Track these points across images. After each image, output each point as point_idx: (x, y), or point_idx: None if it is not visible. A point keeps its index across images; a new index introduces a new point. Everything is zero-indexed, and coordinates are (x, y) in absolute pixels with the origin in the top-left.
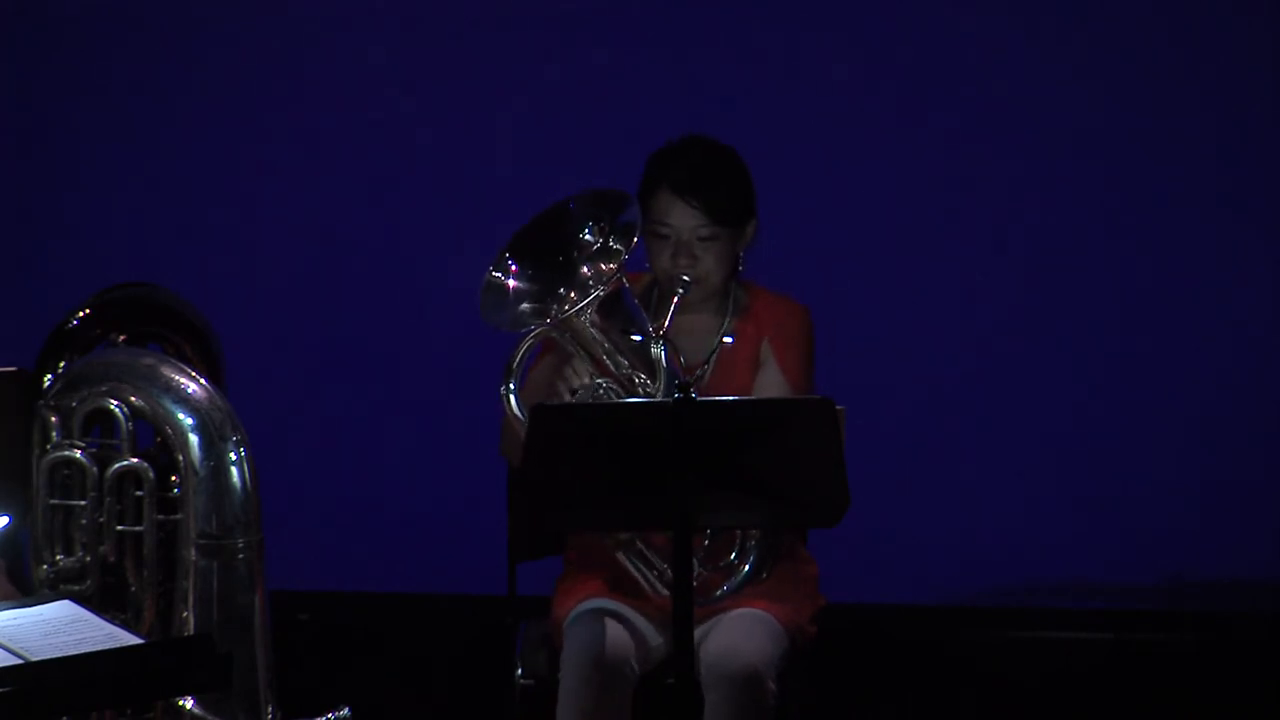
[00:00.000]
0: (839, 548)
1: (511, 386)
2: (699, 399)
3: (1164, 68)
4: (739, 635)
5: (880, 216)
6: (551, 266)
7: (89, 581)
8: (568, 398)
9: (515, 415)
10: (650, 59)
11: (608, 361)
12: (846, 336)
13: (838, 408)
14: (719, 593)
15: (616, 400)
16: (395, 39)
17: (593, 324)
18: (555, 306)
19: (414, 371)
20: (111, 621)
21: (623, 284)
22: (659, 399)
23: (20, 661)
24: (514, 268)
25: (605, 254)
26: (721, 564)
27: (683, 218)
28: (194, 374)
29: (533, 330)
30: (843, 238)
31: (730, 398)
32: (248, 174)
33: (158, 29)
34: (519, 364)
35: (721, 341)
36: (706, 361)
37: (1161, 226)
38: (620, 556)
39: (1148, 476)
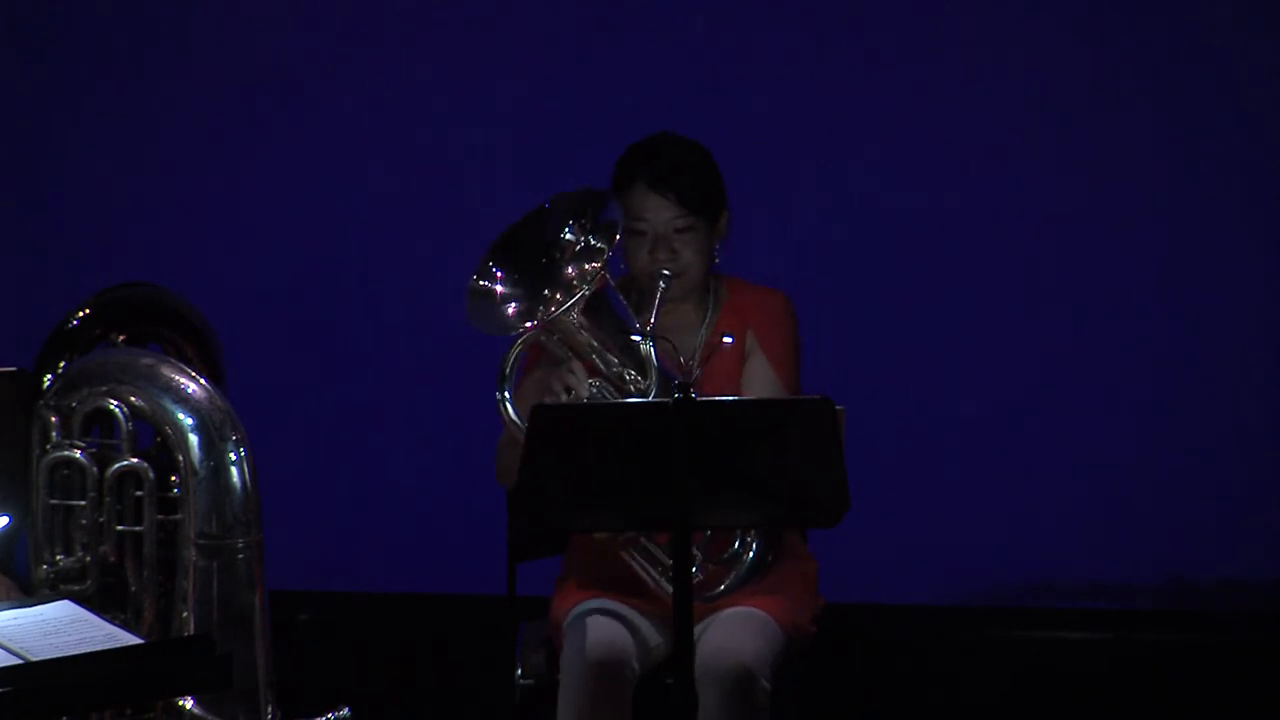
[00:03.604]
0: (839, 548)
1: (506, 394)
2: (699, 399)
3: (1166, 68)
4: (733, 634)
5: (881, 216)
6: (535, 269)
7: (89, 581)
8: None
9: (513, 420)
10: (648, 61)
11: (597, 361)
12: (846, 336)
13: (838, 408)
14: (722, 587)
15: (616, 400)
16: (394, 40)
17: (580, 325)
18: (542, 308)
19: (414, 372)
20: (111, 621)
21: (608, 282)
22: (657, 399)
23: (20, 661)
24: (498, 273)
25: (588, 253)
26: (725, 556)
27: (659, 211)
28: (194, 374)
29: (522, 334)
30: (843, 237)
31: (730, 398)
32: (248, 174)
33: (159, 29)
34: (511, 369)
35: (723, 341)
36: (697, 359)
37: (1163, 227)
38: (624, 553)
39: (1148, 476)
